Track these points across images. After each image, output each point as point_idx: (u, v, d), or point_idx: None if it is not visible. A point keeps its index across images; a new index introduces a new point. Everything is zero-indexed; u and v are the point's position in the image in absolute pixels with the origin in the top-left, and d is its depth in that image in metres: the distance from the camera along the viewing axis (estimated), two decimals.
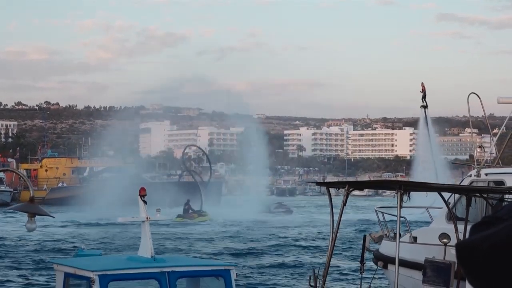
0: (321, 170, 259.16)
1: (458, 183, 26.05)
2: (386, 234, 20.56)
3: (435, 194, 17.27)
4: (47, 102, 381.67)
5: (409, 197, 14.08)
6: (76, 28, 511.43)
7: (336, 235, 14.76)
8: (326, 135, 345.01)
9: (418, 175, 72.56)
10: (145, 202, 12.17)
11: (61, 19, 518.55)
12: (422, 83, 37.46)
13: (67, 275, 12.30)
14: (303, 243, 52.46)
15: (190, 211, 78.09)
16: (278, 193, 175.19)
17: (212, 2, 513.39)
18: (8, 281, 34.21)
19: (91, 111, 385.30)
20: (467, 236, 2.95)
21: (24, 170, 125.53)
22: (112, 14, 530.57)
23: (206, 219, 75.65)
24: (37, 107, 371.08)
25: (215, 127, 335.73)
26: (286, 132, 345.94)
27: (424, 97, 37.71)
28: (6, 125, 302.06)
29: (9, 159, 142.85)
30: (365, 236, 18.52)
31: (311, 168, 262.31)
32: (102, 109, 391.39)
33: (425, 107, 38.32)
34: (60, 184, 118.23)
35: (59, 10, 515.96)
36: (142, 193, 12.12)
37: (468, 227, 15.09)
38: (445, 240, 16.51)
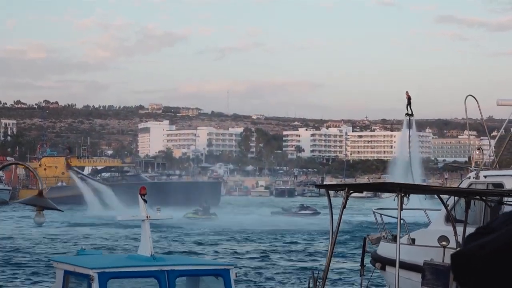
0: (320, 171, 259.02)
1: (457, 185, 26.04)
2: (384, 236, 20.54)
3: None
4: (46, 101, 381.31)
5: (408, 198, 14.07)
6: (75, 27, 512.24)
7: (336, 238, 14.75)
8: (325, 136, 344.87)
9: (397, 177, 73.23)
10: (145, 201, 12.15)
11: (60, 18, 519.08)
12: (406, 92, 37.75)
13: (66, 273, 12.30)
14: (307, 245, 52.24)
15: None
16: (277, 194, 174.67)
17: (211, 2, 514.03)
18: (7, 279, 34.17)
19: (90, 110, 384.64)
20: (466, 237, 3.00)
21: (23, 169, 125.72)
22: (111, 13, 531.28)
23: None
24: (36, 106, 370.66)
25: (214, 127, 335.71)
26: (285, 133, 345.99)
27: (409, 105, 37.96)
28: (5, 124, 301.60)
29: (8, 158, 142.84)
30: (365, 238, 18.52)
31: (309, 169, 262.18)
32: (101, 108, 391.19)
33: (410, 115, 38.59)
34: (59, 183, 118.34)
35: (58, 8, 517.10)
36: (143, 192, 12.11)
37: (467, 230, 15.08)
38: (444, 243, 16.49)
